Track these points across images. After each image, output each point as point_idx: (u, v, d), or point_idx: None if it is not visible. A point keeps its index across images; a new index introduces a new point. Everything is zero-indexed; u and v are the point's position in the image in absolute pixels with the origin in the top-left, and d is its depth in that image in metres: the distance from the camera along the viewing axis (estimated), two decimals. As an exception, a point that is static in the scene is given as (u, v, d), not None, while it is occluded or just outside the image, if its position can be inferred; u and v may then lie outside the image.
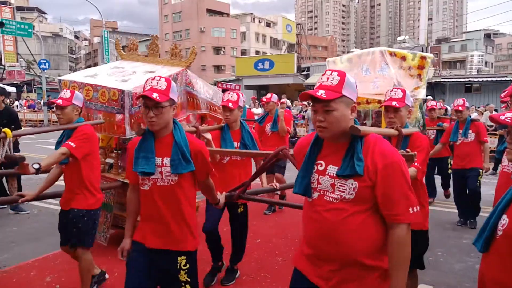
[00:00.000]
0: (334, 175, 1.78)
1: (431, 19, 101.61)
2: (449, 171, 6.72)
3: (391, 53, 4.60)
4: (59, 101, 3.18)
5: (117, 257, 2.55)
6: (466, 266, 4.33)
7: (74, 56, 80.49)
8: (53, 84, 36.16)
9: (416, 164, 2.81)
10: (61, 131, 3.40)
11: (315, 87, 1.87)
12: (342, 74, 1.83)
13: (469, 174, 5.64)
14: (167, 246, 2.34)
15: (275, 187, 3.71)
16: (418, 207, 1.76)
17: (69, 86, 4.40)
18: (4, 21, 21.69)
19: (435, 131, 6.85)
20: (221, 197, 2.87)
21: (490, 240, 1.66)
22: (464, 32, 75.21)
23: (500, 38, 76.99)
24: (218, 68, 52.12)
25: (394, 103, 2.90)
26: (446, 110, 11.62)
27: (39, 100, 26.62)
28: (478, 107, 15.12)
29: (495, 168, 9.52)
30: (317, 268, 1.83)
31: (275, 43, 59.28)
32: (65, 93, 3.25)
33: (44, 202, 6.63)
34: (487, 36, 62.52)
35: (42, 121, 23.18)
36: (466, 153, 5.65)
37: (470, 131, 5.62)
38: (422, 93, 4.36)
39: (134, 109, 4.11)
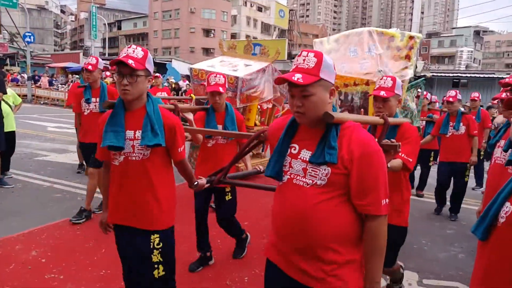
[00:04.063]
0: (307, 160, 1.68)
1: (422, 12, 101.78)
2: (430, 163, 6.89)
3: (379, 33, 4.50)
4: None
5: (105, 234, 2.53)
6: (450, 255, 4.42)
7: (59, 31, 78.49)
8: (37, 59, 35.25)
9: (402, 155, 2.60)
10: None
11: (291, 69, 1.73)
12: (319, 55, 1.70)
13: (458, 169, 5.63)
14: (140, 225, 2.28)
15: (259, 169, 3.32)
16: (388, 200, 1.68)
17: (198, 72, 6.57)
18: (-12, -10, 20.97)
19: (424, 122, 6.85)
20: (201, 181, 2.61)
21: (491, 228, 1.66)
22: (454, 28, 75.80)
23: (489, 35, 77.65)
24: (207, 51, 51.48)
25: (382, 92, 2.81)
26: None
27: (22, 74, 25.94)
28: (466, 103, 15.29)
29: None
30: (285, 258, 1.75)
31: (266, 28, 58.74)
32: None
33: (29, 177, 6.53)
34: (477, 33, 63.15)
35: (26, 95, 22.64)
36: (456, 147, 5.58)
37: (461, 124, 5.56)
38: (410, 73, 4.28)
39: (244, 89, 6.07)
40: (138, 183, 2.24)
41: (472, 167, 6.81)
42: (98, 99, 4.81)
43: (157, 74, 9.39)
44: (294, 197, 1.70)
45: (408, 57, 4.28)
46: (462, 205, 5.87)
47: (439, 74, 24.66)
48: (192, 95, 5.85)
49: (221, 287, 3.43)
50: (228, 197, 3.68)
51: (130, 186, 2.24)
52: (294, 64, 1.73)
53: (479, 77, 23.29)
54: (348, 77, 4.43)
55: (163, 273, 2.31)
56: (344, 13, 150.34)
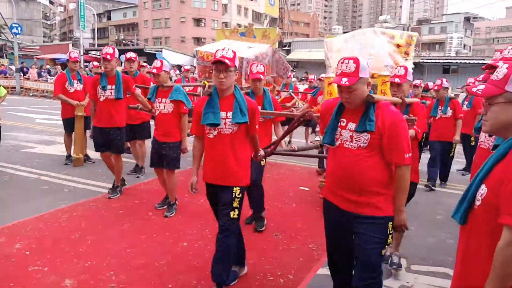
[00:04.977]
0: (353, 129, 2.42)
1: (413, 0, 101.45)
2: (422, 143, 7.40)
3: (382, 33, 5.28)
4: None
5: (91, 226, 2.49)
6: (439, 240, 4.44)
7: (48, 22, 77.24)
8: (26, 50, 34.68)
9: (415, 127, 3.48)
10: None
11: (337, 73, 2.43)
12: (356, 61, 2.38)
13: (445, 147, 6.51)
14: (227, 182, 3.03)
15: (294, 148, 4.39)
16: (410, 154, 2.42)
17: (204, 54, 6.97)
18: (-28, -20, 20.50)
19: None
20: (262, 152, 3.51)
21: (469, 212, 1.65)
22: (444, 14, 75.70)
23: (479, 22, 77.61)
24: (198, 40, 50.97)
25: (396, 79, 3.51)
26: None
27: (10, 66, 25.53)
28: (457, 88, 15.34)
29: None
30: (339, 196, 2.51)
31: (257, 16, 58.22)
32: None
33: (15, 169, 6.44)
34: (467, 19, 63.14)
35: (14, 87, 22.32)
36: (444, 127, 6.42)
37: (448, 108, 6.43)
38: (409, 66, 4.87)
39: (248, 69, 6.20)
40: (227, 152, 3.01)
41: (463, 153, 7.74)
42: (113, 87, 5.14)
43: (144, 64, 9.27)
44: (345, 156, 2.45)
45: (406, 53, 5.13)
46: (451, 191, 6.23)
47: (429, 61, 24.67)
48: (205, 81, 6.16)
49: (207, 276, 3.39)
50: (263, 163, 4.45)
51: (221, 153, 3.01)
52: (340, 70, 2.42)
53: (469, 63, 23.34)
54: None
55: (236, 216, 3.07)
56: (335, 1, 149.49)
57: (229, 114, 2.96)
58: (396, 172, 2.45)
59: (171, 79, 18.23)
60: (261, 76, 4.34)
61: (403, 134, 2.39)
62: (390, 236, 2.52)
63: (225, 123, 2.98)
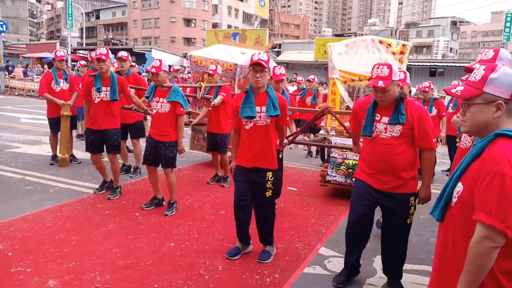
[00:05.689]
0: (387, 123, 3.00)
1: (401, 3, 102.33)
2: None
3: (380, 41, 5.85)
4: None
5: (76, 226, 2.46)
6: (422, 239, 4.49)
7: (35, 20, 76.33)
8: (11, 49, 34.13)
9: None
10: None
11: (373, 77, 2.96)
12: (389, 67, 2.93)
13: None
14: (261, 166, 3.56)
15: (305, 138, 5.31)
16: (435, 139, 3.02)
17: (198, 60, 7.14)
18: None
19: None
20: (285, 140, 4.12)
21: (446, 209, 1.68)
22: (431, 18, 76.59)
23: (465, 26, 78.56)
24: (188, 41, 50.80)
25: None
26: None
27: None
28: (443, 90, 15.59)
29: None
30: (373, 177, 3.07)
31: (247, 18, 58.24)
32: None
33: (-1, 169, 6.34)
34: (453, 23, 64.01)
35: (-1, 86, 22.00)
36: None
37: (433, 108, 6.98)
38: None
39: (241, 76, 6.75)
40: (261, 140, 3.52)
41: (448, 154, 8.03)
42: (108, 88, 5.07)
43: (133, 64, 9.21)
44: (380, 144, 3.02)
45: (400, 61, 5.69)
46: (435, 191, 5.95)
47: (416, 64, 24.94)
48: (201, 83, 6.18)
49: (194, 276, 3.39)
50: (281, 156, 4.84)
51: (257, 142, 3.51)
52: (375, 74, 2.96)
53: (455, 66, 23.65)
54: (355, 74, 5.86)
55: (271, 194, 3.68)
56: (325, 3, 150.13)
57: (263, 108, 3.46)
58: (424, 155, 3.01)
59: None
60: (284, 78, 4.87)
61: (429, 124, 2.96)
62: (412, 207, 3.09)
63: (260, 116, 3.47)
